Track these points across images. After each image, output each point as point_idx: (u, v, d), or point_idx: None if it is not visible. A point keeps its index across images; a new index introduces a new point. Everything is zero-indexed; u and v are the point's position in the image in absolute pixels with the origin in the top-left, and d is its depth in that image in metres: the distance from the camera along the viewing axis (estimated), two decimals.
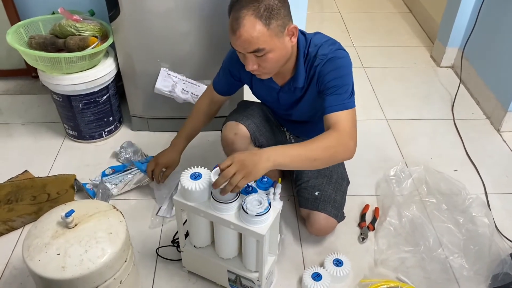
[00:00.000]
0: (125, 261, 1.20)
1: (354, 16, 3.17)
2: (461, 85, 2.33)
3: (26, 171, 1.77)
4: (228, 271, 1.30)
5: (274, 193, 1.20)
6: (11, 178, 1.73)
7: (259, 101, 1.58)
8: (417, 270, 1.43)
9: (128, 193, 1.69)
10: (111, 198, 1.64)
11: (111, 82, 1.84)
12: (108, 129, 1.93)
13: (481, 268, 1.42)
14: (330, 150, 1.16)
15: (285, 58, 1.24)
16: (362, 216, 1.61)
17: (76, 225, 1.16)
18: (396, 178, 1.71)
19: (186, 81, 1.80)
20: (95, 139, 1.93)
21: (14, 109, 2.14)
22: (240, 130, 1.45)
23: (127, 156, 1.82)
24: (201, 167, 1.21)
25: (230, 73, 1.44)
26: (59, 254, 1.10)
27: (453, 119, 2.13)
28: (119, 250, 1.15)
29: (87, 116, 1.83)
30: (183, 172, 1.20)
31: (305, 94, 1.36)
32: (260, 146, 1.51)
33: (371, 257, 1.48)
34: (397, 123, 2.10)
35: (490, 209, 1.63)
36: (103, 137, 1.94)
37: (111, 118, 1.92)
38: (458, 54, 2.45)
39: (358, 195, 1.71)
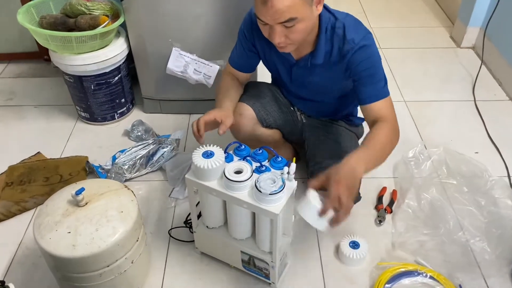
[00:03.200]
0: (137, 240, 1.18)
1: None
2: (483, 66, 2.25)
3: (38, 152, 1.76)
4: (242, 252, 1.27)
5: (288, 173, 1.17)
6: (23, 160, 1.73)
7: (268, 82, 1.53)
8: (436, 253, 1.38)
9: (141, 176, 1.67)
10: (124, 180, 1.62)
11: (123, 63, 1.81)
12: (120, 111, 1.91)
13: (503, 252, 1.36)
14: (392, 144, 1.21)
15: (312, 29, 1.19)
16: (379, 199, 1.56)
17: (86, 203, 1.14)
18: (414, 160, 1.66)
19: (198, 61, 1.76)
20: (107, 121, 1.91)
21: (27, 92, 2.13)
22: (245, 111, 1.40)
23: (139, 134, 1.80)
24: (213, 145, 1.17)
25: (246, 43, 1.37)
26: (69, 232, 1.08)
27: (474, 100, 2.05)
28: (130, 229, 1.13)
29: (99, 97, 1.81)
30: (195, 151, 1.17)
31: (323, 73, 1.31)
32: (268, 126, 1.47)
33: (389, 240, 1.44)
34: (416, 104, 2.04)
35: None
36: (115, 119, 1.92)
37: (123, 100, 1.89)
38: (479, 33, 2.36)
39: (375, 177, 1.66)
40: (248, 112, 1.40)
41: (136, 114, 1.99)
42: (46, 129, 1.91)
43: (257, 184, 1.09)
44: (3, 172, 1.67)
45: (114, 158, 1.66)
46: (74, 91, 1.81)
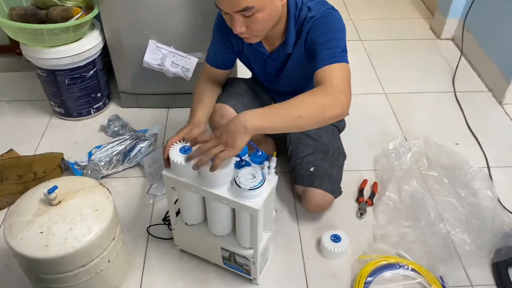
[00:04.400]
0: (113, 239, 1.15)
1: None
2: (462, 57, 2.26)
3: (11, 149, 1.70)
4: (222, 248, 1.24)
5: (269, 167, 1.15)
6: None
7: (247, 78, 1.50)
8: (417, 245, 1.38)
9: (118, 172, 1.62)
10: (100, 177, 1.58)
11: (98, 56, 1.76)
12: (96, 105, 1.86)
13: (483, 243, 1.37)
14: (316, 105, 1.02)
15: (275, 19, 1.15)
16: (360, 191, 1.56)
17: (60, 202, 1.10)
18: (395, 152, 1.66)
19: (176, 53, 1.72)
20: (83, 116, 1.85)
21: None
22: (225, 112, 1.36)
23: (116, 129, 1.75)
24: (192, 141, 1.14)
25: (221, 38, 1.33)
26: (42, 232, 1.04)
27: (454, 92, 2.06)
28: (106, 227, 1.09)
29: (74, 92, 1.76)
30: (172, 146, 1.13)
31: (290, 59, 1.28)
32: None
33: (370, 233, 1.43)
34: (396, 96, 2.04)
35: (492, 182, 1.58)
36: (91, 114, 1.86)
37: (99, 94, 1.84)
38: (459, 25, 2.36)
39: (356, 170, 1.65)
40: (228, 112, 1.36)
41: (113, 109, 1.94)
42: (19, 125, 1.85)
43: (236, 180, 1.06)
44: None
45: (90, 154, 1.61)
46: (48, 85, 1.75)
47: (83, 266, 1.08)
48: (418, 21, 2.65)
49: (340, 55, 1.11)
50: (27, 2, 1.73)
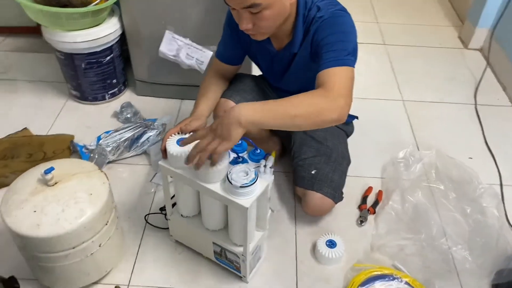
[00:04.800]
0: (106, 224, 1.16)
1: None
2: (488, 69, 2.18)
3: (25, 128, 1.75)
4: (214, 243, 1.24)
5: (265, 166, 1.14)
6: (9, 135, 1.72)
7: (256, 75, 1.49)
8: (416, 258, 1.34)
9: (125, 159, 1.65)
10: (107, 162, 1.61)
11: (116, 43, 1.78)
12: (112, 91, 1.89)
13: (485, 262, 1.32)
14: (313, 106, 1.00)
15: (283, 17, 1.14)
16: (364, 199, 1.53)
17: (56, 183, 1.12)
18: (404, 161, 1.61)
19: (191, 45, 1.73)
20: (98, 101, 1.89)
21: (23, 67, 2.11)
22: (229, 107, 1.34)
23: (128, 116, 1.78)
24: (189, 133, 1.14)
25: (230, 33, 1.33)
26: (35, 211, 1.07)
27: (475, 104, 1.99)
28: (98, 212, 1.11)
29: (90, 76, 1.79)
30: (170, 138, 1.14)
31: (295, 58, 1.26)
32: None
33: (368, 242, 1.40)
34: (413, 104, 1.98)
35: (503, 201, 1.52)
36: (106, 99, 1.90)
37: (114, 81, 1.87)
38: (488, 35, 2.28)
39: (362, 176, 1.62)
40: None
41: (128, 96, 1.96)
42: (37, 105, 1.90)
43: (229, 176, 1.06)
44: None
45: (99, 138, 1.64)
46: (65, 68, 1.79)
47: (73, 248, 1.10)
48: (447, 29, 2.57)
49: (345, 58, 1.08)
50: None
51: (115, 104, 1.90)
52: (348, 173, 1.58)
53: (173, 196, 1.28)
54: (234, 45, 1.35)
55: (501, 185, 1.60)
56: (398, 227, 1.41)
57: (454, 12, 2.73)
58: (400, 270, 1.30)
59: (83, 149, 1.63)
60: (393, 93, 2.05)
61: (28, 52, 2.21)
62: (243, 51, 1.37)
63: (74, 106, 1.90)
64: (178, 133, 1.15)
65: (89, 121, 1.82)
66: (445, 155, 1.61)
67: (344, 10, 1.16)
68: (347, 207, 1.50)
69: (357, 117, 1.57)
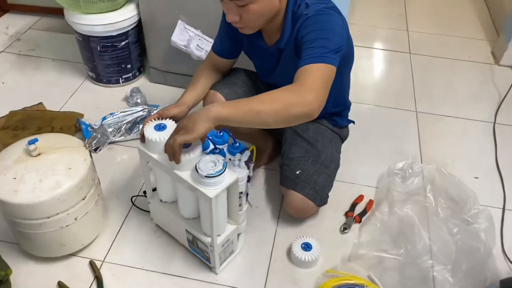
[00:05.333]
0: (83, 199, 1.20)
1: None
2: None
3: (40, 103, 1.84)
4: (186, 230, 1.26)
5: (239, 159, 1.14)
6: (25, 107, 1.81)
7: (252, 70, 1.49)
8: (393, 273, 1.30)
9: (126, 141, 1.70)
10: (108, 142, 1.66)
11: (132, 29, 1.84)
12: (126, 76, 1.95)
13: (466, 287, 1.26)
14: (280, 101, 0.99)
15: (271, 13, 1.14)
16: (353, 206, 1.49)
17: (39, 154, 1.18)
18: (401, 173, 1.56)
19: (202, 37, 1.75)
20: (111, 83, 1.95)
21: (50, 45, 2.23)
22: (216, 99, 1.37)
23: (137, 100, 1.83)
24: (169, 119, 1.17)
25: (225, 27, 1.34)
26: (15, 178, 1.13)
27: (494, 122, 1.89)
28: (74, 186, 1.15)
29: (105, 59, 1.86)
30: (149, 122, 1.17)
31: (282, 55, 1.26)
32: None
33: (348, 250, 1.37)
34: (427, 117, 1.91)
35: (502, 226, 1.44)
36: (119, 83, 1.96)
37: (129, 66, 1.93)
38: None
39: (357, 184, 1.58)
40: (220, 100, 1.37)
41: (141, 82, 2.02)
42: (55, 82, 1.99)
43: (197, 165, 1.07)
44: (4, 116, 1.76)
45: (103, 119, 1.70)
46: (83, 50, 1.87)
47: (48, 218, 1.15)
48: (480, 42, 2.45)
49: (323, 55, 1.06)
50: None
51: (128, 88, 1.96)
52: (342, 179, 1.56)
53: None
54: (229, 39, 1.36)
55: (503, 209, 1.52)
56: (381, 239, 1.37)
57: (492, 25, 2.60)
58: (374, 282, 1.27)
59: (88, 128, 1.69)
60: (408, 104, 1.98)
61: (58, 32, 2.32)
62: (238, 46, 1.38)
63: (89, 87, 1.98)
64: (158, 119, 1.18)
65: (100, 102, 1.89)
66: (445, 171, 1.54)
67: (332, 8, 1.14)
68: (334, 212, 1.48)
69: (353, 122, 1.54)
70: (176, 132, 1.04)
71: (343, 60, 1.17)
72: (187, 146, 1.09)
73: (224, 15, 1.34)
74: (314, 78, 1.03)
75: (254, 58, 1.38)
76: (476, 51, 2.37)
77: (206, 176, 1.05)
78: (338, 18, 1.13)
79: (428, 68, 2.22)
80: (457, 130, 1.86)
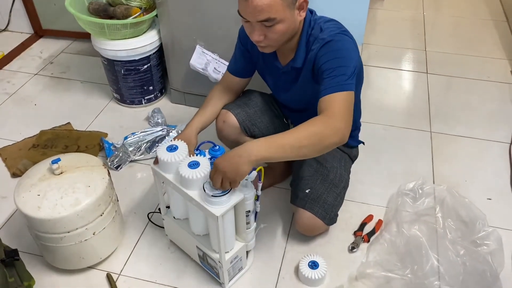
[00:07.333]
0: (101, 215, 1.28)
1: (439, 18, 2.92)
2: None
3: (68, 123, 1.96)
4: (197, 247, 1.32)
5: (246, 179, 1.20)
6: (54, 127, 1.93)
7: (266, 92, 1.55)
8: None
9: (145, 160, 1.78)
10: (129, 161, 1.76)
11: (154, 53, 1.94)
12: (148, 97, 2.05)
13: None
14: (316, 136, 1.08)
15: (292, 32, 1.21)
16: (362, 225, 1.52)
17: (62, 173, 1.27)
18: (412, 193, 1.58)
19: (218, 60, 1.83)
20: (135, 104, 2.06)
21: (80, 68, 2.36)
22: (228, 119, 1.44)
23: (158, 120, 1.92)
24: (180, 141, 1.24)
25: (241, 47, 1.41)
26: (39, 195, 1.22)
27: (510, 143, 1.88)
28: (93, 203, 1.23)
29: (128, 82, 1.97)
30: (162, 142, 1.24)
31: (299, 77, 1.32)
32: (253, 136, 1.49)
33: (355, 269, 1.39)
34: (441, 137, 1.92)
35: (503, 247, 1.43)
36: (142, 104, 2.06)
37: (151, 87, 2.03)
38: None
39: (367, 203, 1.61)
40: (231, 120, 1.44)
41: (163, 102, 2.12)
42: (83, 103, 2.12)
43: (204, 184, 1.13)
44: (35, 135, 1.89)
45: (125, 138, 1.79)
46: (108, 73, 1.99)
47: (68, 232, 1.23)
48: (499, 62, 2.44)
49: (344, 84, 1.14)
50: None
51: (150, 109, 2.06)
52: (353, 198, 1.59)
53: None
54: (244, 59, 1.43)
55: None
56: (389, 259, 1.39)
57: None
58: None
59: (111, 147, 1.79)
60: (422, 124, 1.99)
61: (87, 55, 2.46)
62: (252, 66, 1.45)
63: (114, 107, 2.09)
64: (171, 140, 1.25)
65: (123, 121, 1.99)
66: (456, 192, 1.55)
67: (345, 33, 1.21)
68: (344, 231, 1.51)
69: (363, 143, 1.57)
70: (215, 171, 1.10)
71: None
72: (196, 166, 1.16)
73: (239, 38, 1.41)
74: (339, 107, 1.12)
75: (268, 76, 1.44)
76: (495, 71, 2.36)
77: (212, 196, 1.11)
78: (351, 42, 1.21)
79: (445, 88, 2.23)
80: (472, 150, 1.86)
